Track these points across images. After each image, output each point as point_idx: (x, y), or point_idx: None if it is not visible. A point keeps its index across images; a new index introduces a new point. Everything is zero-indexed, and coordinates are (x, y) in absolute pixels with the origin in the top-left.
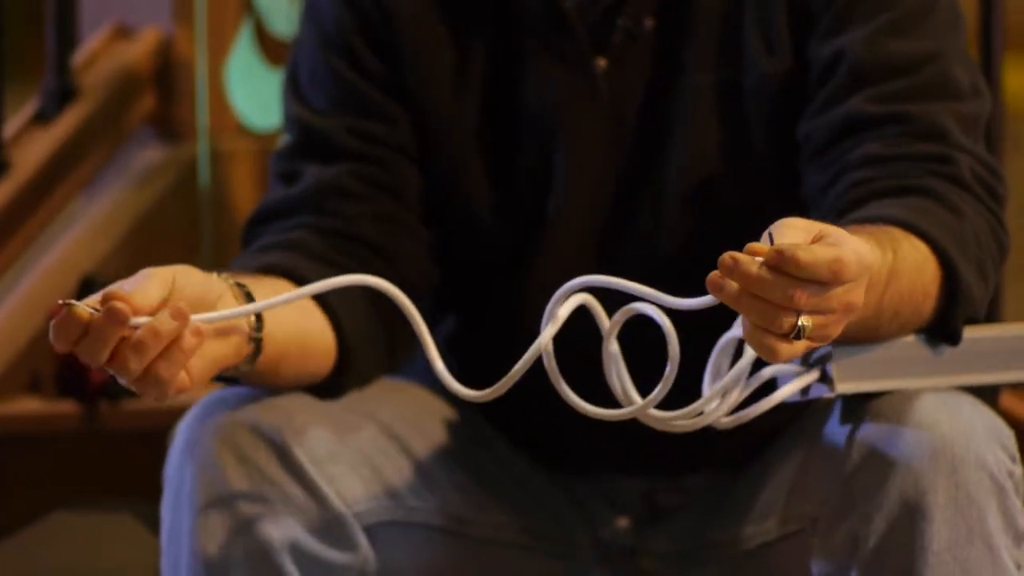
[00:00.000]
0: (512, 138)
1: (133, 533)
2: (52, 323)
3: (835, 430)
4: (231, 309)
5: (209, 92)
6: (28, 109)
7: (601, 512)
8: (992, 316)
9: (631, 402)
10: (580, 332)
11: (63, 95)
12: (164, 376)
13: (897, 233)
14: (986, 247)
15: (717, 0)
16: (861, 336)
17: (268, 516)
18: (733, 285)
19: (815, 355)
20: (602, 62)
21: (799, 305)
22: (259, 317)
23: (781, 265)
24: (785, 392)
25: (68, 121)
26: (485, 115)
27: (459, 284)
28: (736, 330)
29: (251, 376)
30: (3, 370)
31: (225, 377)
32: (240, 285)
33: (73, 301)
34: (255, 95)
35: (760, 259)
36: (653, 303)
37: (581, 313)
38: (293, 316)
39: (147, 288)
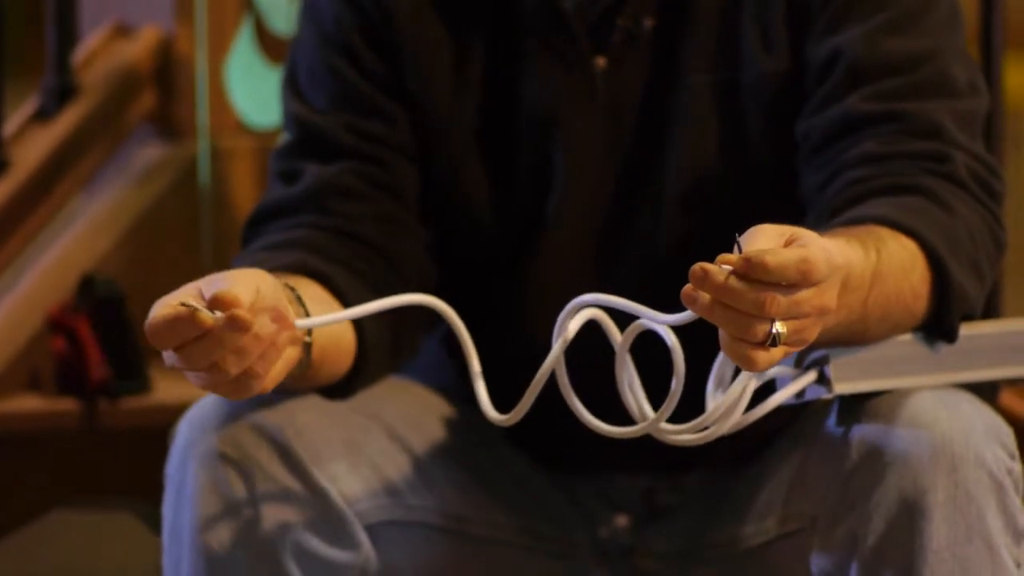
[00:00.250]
0: (511, 138)
1: (133, 533)
2: (162, 322)
3: (834, 429)
4: (330, 315)
5: (209, 90)
6: (28, 107)
7: (600, 511)
8: (992, 313)
9: (645, 417)
10: (581, 343)
11: (63, 93)
12: (254, 380)
13: (884, 233)
14: (981, 244)
15: (716, 0)
16: (850, 340)
17: (269, 514)
18: (706, 297)
19: (811, 357)
20: (601, 62)
21: (771, 312)
22: None
23: (750, 272)
24: (784, 395)
25: (68, 119)
26: (484, 115)
27: (458, 284)
28: None
29: (296, 381)
30: (3, 368)
31: None
32: (291, 288)
33: (194, 304)
34: (255, 93)
35: (729, 268)
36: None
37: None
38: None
39: (242, 293)
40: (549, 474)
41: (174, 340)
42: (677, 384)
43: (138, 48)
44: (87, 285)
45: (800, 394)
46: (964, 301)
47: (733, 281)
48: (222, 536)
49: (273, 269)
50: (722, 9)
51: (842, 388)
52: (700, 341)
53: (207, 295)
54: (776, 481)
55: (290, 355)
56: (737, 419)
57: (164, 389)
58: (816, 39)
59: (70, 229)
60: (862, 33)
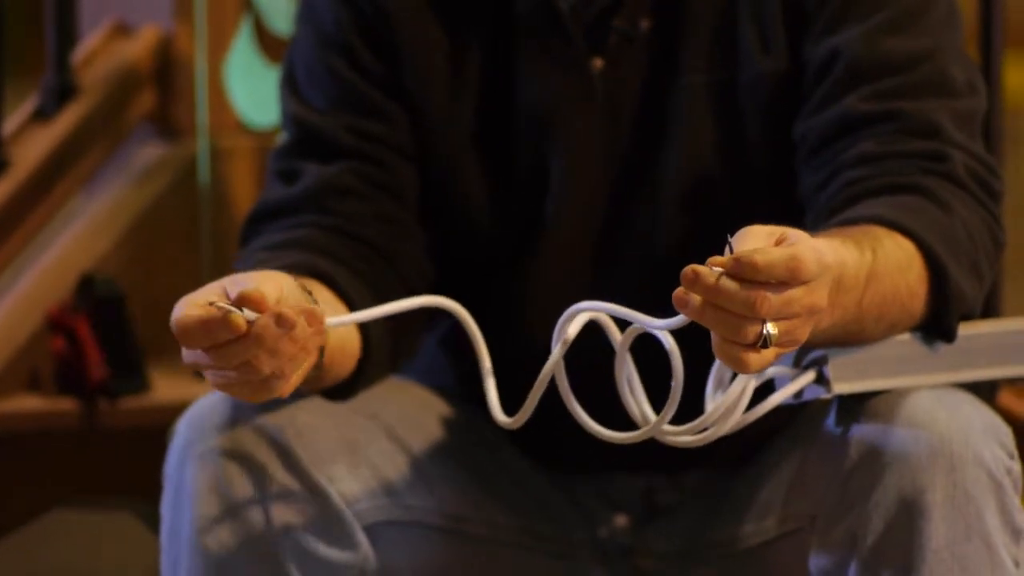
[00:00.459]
0: (509, 138)
1: (133, 533)
2: (195, 322)
3: (833, 429)
4: (355, 315)
5: (208, 90)
6: (28, 106)
7: (600, 511)
8: (991, 312)
9: (646, 420)
10: (580, 345)
11: (63, 92)
12: (280, 381)
13: (880, 232)
14: (980, 244)
15: (713, 0)
16: (847, 340)
17: (269, 515)
18: (697, 299)
19: (810, 357)
20: (598, 63)
21: (762, 312)
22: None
23: (740, 272)
24: (782, 395)
25: (68, 119)
26: (482, 115)
27: (457, 284)
28: None
29: (307, 384)
30: (2, 368)
31: None
32: (307, 290)
33: (226, 306)
34: (255, 93)
35: (719, 269)
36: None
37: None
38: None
39: (269, 292)
40: (549, 474)
41: (206, 340)
42: (676, 387)
43: (138, 48)
44: (87, 285)
45: (799, 394)
46: (962, 301)
47: (724, 282)
48: (221, 536)
49: (278, 269)
50: (719, 10)
51: (841, 388)
52: (699, 342)
53: (232, 294)
54: (776, 481)
55: (312, 356)
56: (737, 420)
57: (163, 389)
58: (814, 39)
59: (70, 229)
60: (860, 33)
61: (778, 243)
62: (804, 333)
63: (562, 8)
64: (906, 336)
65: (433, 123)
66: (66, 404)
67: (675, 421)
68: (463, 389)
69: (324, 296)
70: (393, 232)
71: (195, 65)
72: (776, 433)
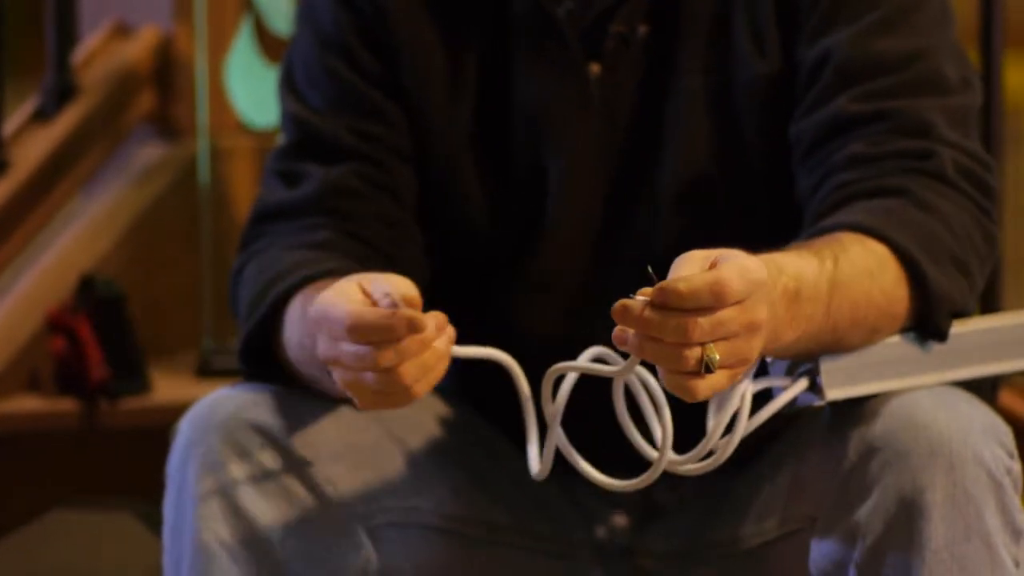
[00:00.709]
0: (507, 139)
1: (133, 533)
2: (382, 320)
3: (833, 429)
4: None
5: (209, 90)
6: (28, 107)
7: (600, 511)
8: (991, 310)
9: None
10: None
11: (63, 93)
12: (420, 386)
13: (848, 239)
14: (967, 240)
15: (708, 3)
16: (824, 348)
17: (270, 515)
18: (633, 333)
19: (803, 366)
20: (595, 68)
21: (695, 337)
22: None
23: (665, 301)
24: (776, 405)
25: (68, 119)
26: (479, 118)
27: (456, 285)
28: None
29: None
30: (2, 368)
31: (240, 372)
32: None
33: (407, 309)
34: (255, 93)
35: (645, 299)
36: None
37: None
38: None
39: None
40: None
41: (388, 339)
42: (666, 428)
43: (138, 48)
44: (87, 285)
45: (793, 403)
46: (947, 299)
47: (649, 312)
48: (222, 535)
49: (325, 273)
50: (714, 12)
51: (834, 394)
52: None
53: (376, 293)
54: (776, 482)
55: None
56: (737, 443)
57: (163, 389)
58: (806, 40)
59: (70, 229)
60: (851, 34)
61: (712, 267)
62: (751, 351)
63: (558, 14)
64: (896, 338)
65: (432, 123)
66: (66, 404)
67: (687, 436)
68: (463, 389)
69: None
70: (393, 233)
71: (195, 65)
72: (776, 434)
